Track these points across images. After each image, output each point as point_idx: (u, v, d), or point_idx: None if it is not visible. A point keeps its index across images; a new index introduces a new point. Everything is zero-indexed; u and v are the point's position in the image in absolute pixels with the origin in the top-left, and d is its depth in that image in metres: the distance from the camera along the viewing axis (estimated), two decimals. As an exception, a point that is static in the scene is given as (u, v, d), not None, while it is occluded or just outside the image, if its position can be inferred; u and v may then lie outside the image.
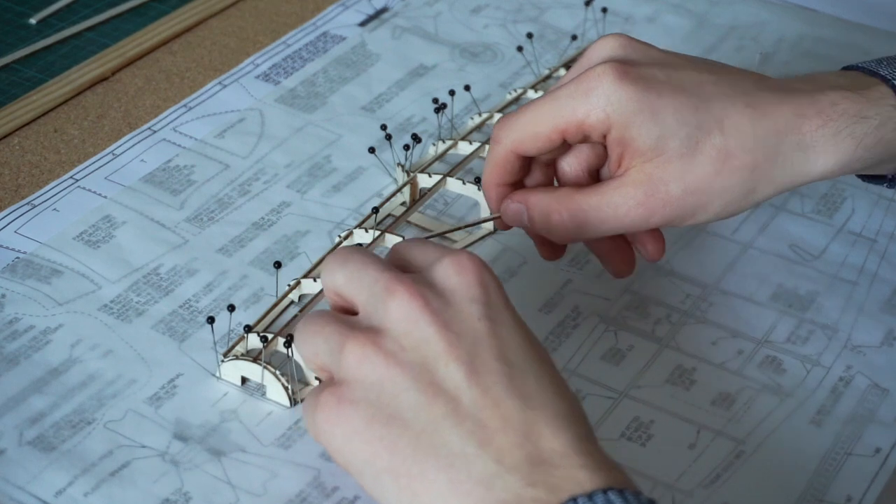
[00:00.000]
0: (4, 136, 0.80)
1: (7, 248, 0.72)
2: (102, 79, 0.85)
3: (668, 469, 0.62)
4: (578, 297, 0.71)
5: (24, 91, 0.83)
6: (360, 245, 0.70)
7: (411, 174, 0.75)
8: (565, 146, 0.66)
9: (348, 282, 0.57)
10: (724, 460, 0.63)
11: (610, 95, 0.62)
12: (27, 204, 0.75)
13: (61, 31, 0.88)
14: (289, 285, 0.69)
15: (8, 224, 0.73)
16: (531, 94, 0.82)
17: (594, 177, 0.68)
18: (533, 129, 0.64)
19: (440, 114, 0.80)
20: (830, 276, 0.73)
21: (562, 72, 0.85)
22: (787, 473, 0.62)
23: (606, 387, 0.66)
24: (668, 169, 0.63)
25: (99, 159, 0.78)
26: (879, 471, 0.63)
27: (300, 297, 0.70)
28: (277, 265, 0.69)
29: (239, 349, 0.66)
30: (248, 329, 0.65)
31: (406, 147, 0.77)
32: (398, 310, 0.54)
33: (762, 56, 0.82)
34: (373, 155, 0.78)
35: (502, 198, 0.68)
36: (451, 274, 0.56)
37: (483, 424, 0.52)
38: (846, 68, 0.68)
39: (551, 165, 0.68)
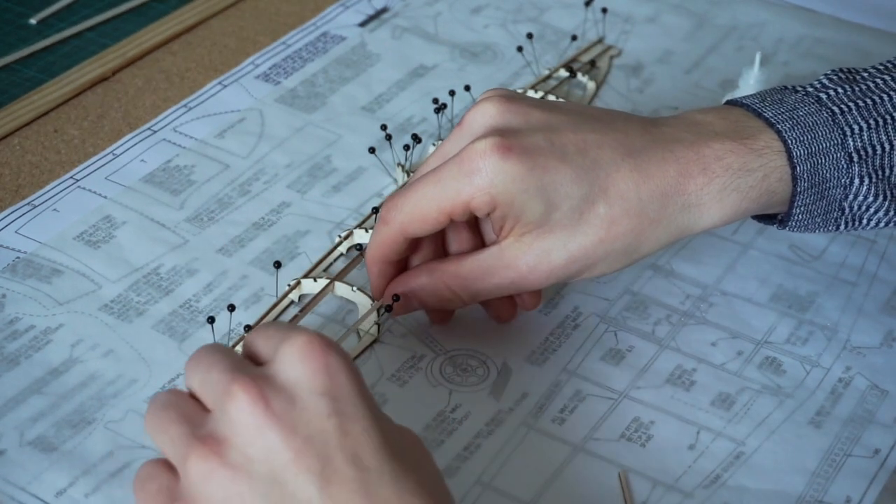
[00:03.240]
0: (4, 137, 0.80)
1: (7, 248, 0.72)
2: (102, 79, 0.85)
3: (668, 470, 0.62)
4: (578, 297, 0.71)
5: (24, 91, 0.83)
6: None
7: (411, 174, 0.76)
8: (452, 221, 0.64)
9: (200, 385, 0.55)
10: (724, 461, 0.63)
11: (494, 177, 0.61)
12: (27, 204, 0.75)
13: (61, 31, 0.88)
14: (289, 285, 0.70)
15: (8, 224, 0.73)
16: (531, 94, 0.82)
17: (477, 233, 0.67)
18: (420, 212, 0.63)
19: (440, 114, 0.80)
20: (830, 277, 0.73)
21: (562, 72, 0.85)
22: (787, 474, 0.62)
23: (606, 387, 0.66)
24: (550, 239, 0.62)
25: (99, 159, 0.78)
26: (878, 472, 0.63)
27: (300, 297, 0.70)
28: (277, 265, 0.69)
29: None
30: (249, 329, 0.66)
31: (406, 147, 0.77)
32: (239, 416, 0.51)
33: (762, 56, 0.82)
34: (373, 155, 0.78)
35: (385, 275, 0.66)
36: (295, 362, 0.52)
37: None
38: (729, 103, 0.66)
39: (438, 235, 0.67)
